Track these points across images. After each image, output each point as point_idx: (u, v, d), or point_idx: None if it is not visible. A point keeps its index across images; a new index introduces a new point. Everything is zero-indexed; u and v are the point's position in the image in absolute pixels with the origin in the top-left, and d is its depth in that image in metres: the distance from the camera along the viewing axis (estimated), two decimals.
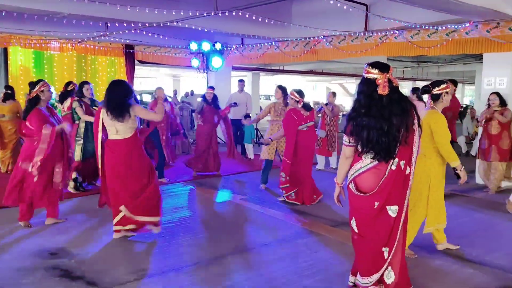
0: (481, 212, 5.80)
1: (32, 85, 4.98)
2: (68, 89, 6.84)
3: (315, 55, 9.68)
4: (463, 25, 7.19)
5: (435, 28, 7.54)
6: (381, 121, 2.92)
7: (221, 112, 7.76)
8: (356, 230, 3.15)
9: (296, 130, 5.98)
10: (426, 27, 7.64)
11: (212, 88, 8.05)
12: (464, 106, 21.20)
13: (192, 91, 18.62)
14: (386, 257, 3.06)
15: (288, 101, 6.31)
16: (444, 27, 7.45)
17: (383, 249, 3.06)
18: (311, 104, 7.19)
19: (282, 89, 6.72)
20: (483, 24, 6.97)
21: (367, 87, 3.00)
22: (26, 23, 8.52)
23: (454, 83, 7.18)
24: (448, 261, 4.14)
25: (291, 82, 33.89)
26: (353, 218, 3.17)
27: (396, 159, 2.99)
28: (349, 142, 3.06)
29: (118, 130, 4.37)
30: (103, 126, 4.46)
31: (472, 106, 15.49)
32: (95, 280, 3.60)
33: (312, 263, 4.05)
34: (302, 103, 6.06)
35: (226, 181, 7.61)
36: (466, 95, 39.73)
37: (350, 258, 4.17)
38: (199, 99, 9.06)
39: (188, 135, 11.83)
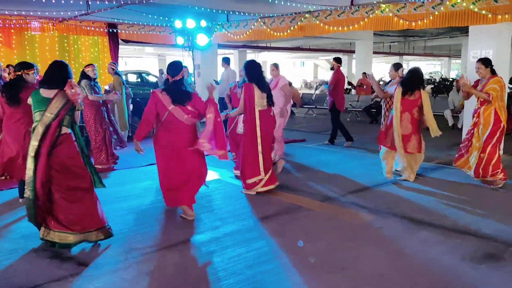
0: (467, 184, 5.89)
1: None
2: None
3: (302, 31, 9.59)
4: None
5: (421, 1, 7.50)
6: None
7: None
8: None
9: None
10: (412, 0, 7.60)
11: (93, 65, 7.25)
12: (450, 79, 21.36)
13: None
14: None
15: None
16: (430, 0, 7.42)
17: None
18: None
19: None
20: None
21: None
22: (5, 2, 8.29)
23: (338, 60, 8.89)
24: (434, 232, 4.22)
25: (278, 59, 33.67)
26: None
27: None
28: None
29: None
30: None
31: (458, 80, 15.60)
32: (86, 261, 3.60)
33: (300, 237, 4.09)
34: None
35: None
36: (452, 69, 39.96)
37: (341, 231, 4.24)
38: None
39: None
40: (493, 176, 5.66)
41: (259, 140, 5.42)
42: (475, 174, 5.78)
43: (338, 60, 8.88)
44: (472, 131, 5.85)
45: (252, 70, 5.45)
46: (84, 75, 6.78)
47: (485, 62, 5.70)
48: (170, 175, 4.47)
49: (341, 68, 8.91)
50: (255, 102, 5.38)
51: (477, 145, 5.74)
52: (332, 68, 8.86)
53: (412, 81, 5.85)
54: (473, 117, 5.84)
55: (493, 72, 5.71)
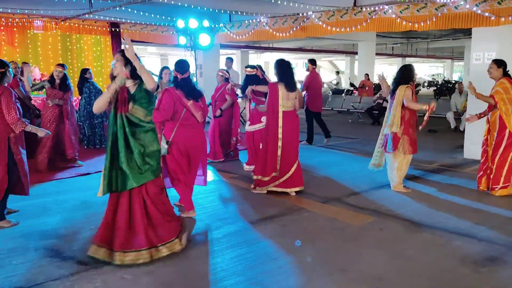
0: (468, 187, 5.86)
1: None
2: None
3: (304, 32, 9.58)
4: None
5: (424, 2, 7.48)
6: None
7: None
8: None
9: None
10: (415, 1, 7.58)
11: (62, 65, 6.86)
12: (453, 81, 21.33)
13: None
14: None
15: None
16: (433, 1, 7.39)
17: None
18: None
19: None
20: None
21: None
22: (8, 1, 8.30)
23: (312, 62, 8.91)
24: (436, 234, 4.20)
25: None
26: None
27: None
28: None
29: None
30: None
31: (461, 82, 15.57)
32: (86, 260, 3.59)
33: (301, 239, 4.08)
34: None
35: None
36: (455, 71, 39.86)
37: (342, 233, 4.22)
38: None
39: None
40: (504, 188, 5.38)
41: (279, 143, 5.35)
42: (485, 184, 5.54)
43: (312, 62, 8.96)
44: (486, 141, 5.53)
45: (280, 69, 5.39)
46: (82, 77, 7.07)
47: (498, 62, 5.34)
48: (185, 168, 4.52)
49: (316, 69, 9.07)
50: (279, 103, 5.33)
51: (490, 153, 5.45)
52: (308, 70, 8.96)
53: (398, 79, 5.53)
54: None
55: (506, 75, 5.32)
